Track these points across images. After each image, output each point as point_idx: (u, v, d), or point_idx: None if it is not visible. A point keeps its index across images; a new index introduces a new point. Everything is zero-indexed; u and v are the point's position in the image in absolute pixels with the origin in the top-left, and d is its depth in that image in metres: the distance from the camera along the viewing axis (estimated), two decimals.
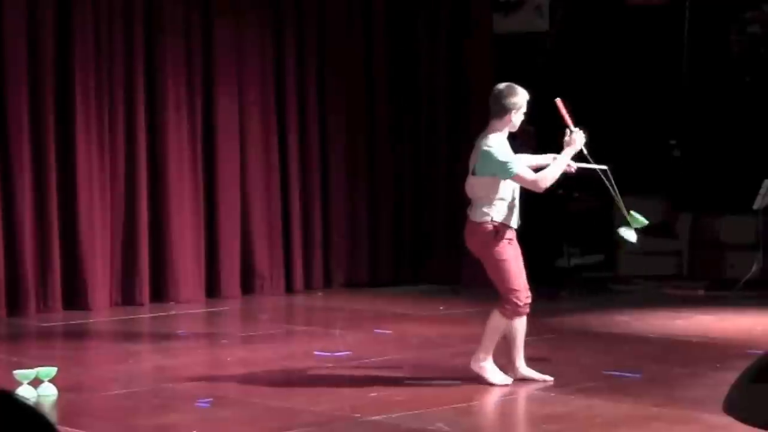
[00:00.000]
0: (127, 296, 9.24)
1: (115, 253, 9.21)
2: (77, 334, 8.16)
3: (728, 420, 2.24)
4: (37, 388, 5.88)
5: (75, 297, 8.96)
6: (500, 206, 5.85)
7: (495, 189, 5.82)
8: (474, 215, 5.91)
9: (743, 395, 2.16)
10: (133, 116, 9.25)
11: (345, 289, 10.15)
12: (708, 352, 6.96)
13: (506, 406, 5.64)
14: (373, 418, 5.45)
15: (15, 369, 6.01)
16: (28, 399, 5.44)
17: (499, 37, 10.51)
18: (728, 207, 10.54)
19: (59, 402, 5.83)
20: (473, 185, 5.92)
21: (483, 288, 10.03)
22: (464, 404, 5.64)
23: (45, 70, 8.80)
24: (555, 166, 5.94)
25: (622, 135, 11.27)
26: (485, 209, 5.84)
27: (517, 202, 5.93)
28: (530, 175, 5.83)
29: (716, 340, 7.40)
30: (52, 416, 5.50)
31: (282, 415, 5.48)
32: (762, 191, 9.57)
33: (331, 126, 10.30)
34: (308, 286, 10.12)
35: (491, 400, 5.83)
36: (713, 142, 11.09)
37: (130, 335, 8.16)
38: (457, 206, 10.64)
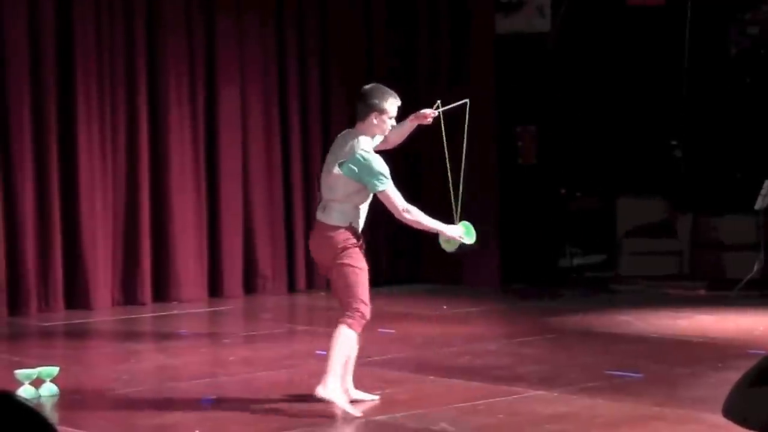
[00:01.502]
0: (128, 295, 9.22)
1: (117, 253, 9.19)
2: (79, 334, 8.14)
3: (730, 421, 2.23)
4: (39, 387, 5.86)
5: (76, 296, 8.94)
6: (357, 212, 5.37)
7: (362, 195, 5.32)
8: (330, 218, 5.36)
9: (741, 399, 2.15)
10: (135, 114, 9.23)
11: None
12: (709, 352, 6.94)
13: (508, 406, 5.61)
14: (377, 417, 5.43)
15: (16, 369, 5.99)
16: (28, 399, 5.42)
17: (500, 38, 10.49)
18: (729, 207, 10.52)
19: (61, 402, 5.81)
20: (335, 185, 5.33)
21: (485, 287, 10.11)
22: (468, 404, 5.62)
23: (46, 69, 8.78)
24: (433, 223, 5.41)
25: (623, 135, 11.26)
26: (343, 212, 5.33)
27: (366, 210, 5.44)
28: (401, 201, 5.30)
29: (717, 340, 7.37)
30: (54, 416, 5.48)
31: (284, 414, 5.46)
32: (763, 191, 9.55)
33: (334, 124, 10.27)
34: (310, 286, 10.10)
35: (495, 401, 5.81)
36: (714, 142, 11.07)
37: (131, 335, 8.14)
38: (457, 203, 10.65)
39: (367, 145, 5.36)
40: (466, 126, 5.77)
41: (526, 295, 9.80)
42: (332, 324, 5.52)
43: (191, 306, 9.21)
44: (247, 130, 9.82)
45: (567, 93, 11.03)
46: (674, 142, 11.31)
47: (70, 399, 5.87)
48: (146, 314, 8.96)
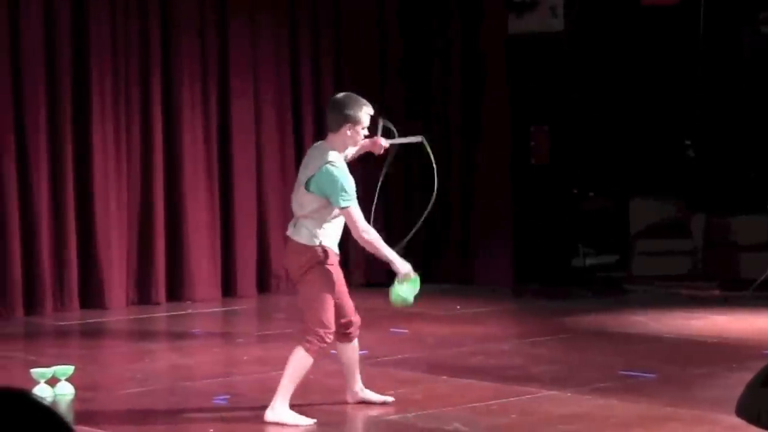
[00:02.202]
0: (143, 295, 9.24)
1: (132, 253, 9.21)
2: (93, 333, 8.17)
3: (743, 421, 2.22)
4: (54, 386, 5.88)
5: (91, 296, 8.97)
6: (329, 229, 5.20)
7: (329, 210, 5.15)
8: (299, 236, 5.21)
9: (754, 398, 2.15)
10: (149, 115, 9.25)
11: (363, 289, 10.13)
12: (723, 353, 6.90)
13: (521, 406, 5.60)
14: (389, 417, 5.42)
15: (32, 368, 6.01)
16: (44, 398, 5.44)
17: (514, 38, 10.47)
18: (742, 207, 10.47)
19: (76, 400, 5.83)
20: (304, 202, 5.20)
21: (498, 286, 10.09)
22: (481, 404, 5.60)
23: (62, 70, 8.81)
24: (387, 251, 5.20)
25: (637, 135, 11.22)
26: (314, 230, 5.17)
27: (342, 225, 5.28)
28: (362, 221, 5.13)
29: (731, 341, 7.34)
30: (69, 415, 5.49)
31: (297, 413, 5.45)
32: None
33: None
34: None
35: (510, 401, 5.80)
36: (727, 142, 11.02)
37: (146, 334, 8.16)
38: (470, 205, 10.67)
39: (336, 158, 5.18)
40: (434, 166, 5.62)
41: (539, 295, 9.78)
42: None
43: (205, 305, 9.22)
44: (260, 130, 9.83)
45: (580, 93, 11.00)
46: (687, 142, 11.26)
47: (85, 398, 5.88)
48: (160, 314, 8.97)
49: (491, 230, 10.35)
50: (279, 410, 5.23)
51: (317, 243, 5.20)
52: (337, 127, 5.22)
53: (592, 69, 11.09)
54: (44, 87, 8.72)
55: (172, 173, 9.38)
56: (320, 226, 5.19)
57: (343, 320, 5.39)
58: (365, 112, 5.22)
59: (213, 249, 9.55)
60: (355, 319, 5.47)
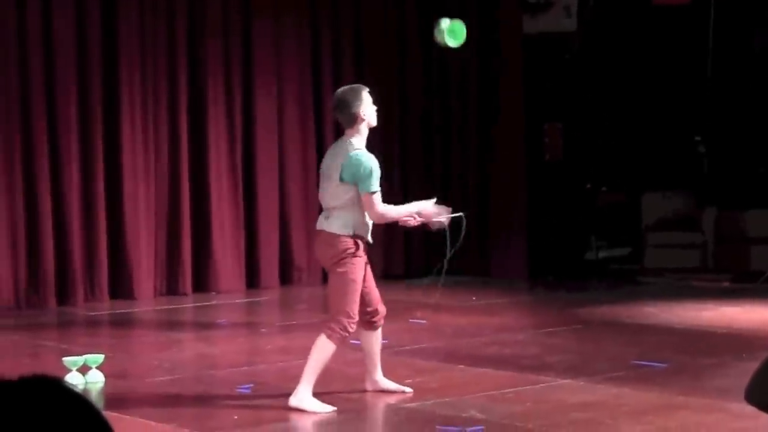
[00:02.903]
0: (170, 286, 9.28)
1: (159, 246, 9.25)
2: (123, 323, 8.20)
3: (753, 409, 2.21)
4: (85, 374, 5.91)
5: (121, 287, 9.01)
6: (359, 218, 5.23)
7: (358, 199, 5.20)
8: (332, 226, 5.24)
9: (762, 384, 2.13)
10: (176, 112, 9.28)
11: (381, 281, 10.12)
12: (733, 343, 6.86)
13: (536, 394, 5.59)
14: (408, 405, 5.42)
15: (64, 356, 6.05)
16: (75, 385, 5.45)
17: (528, 37, 10.44)
18: (752, 201, 10.41)
19: (106, 388, 5.85)
20: (338, 193, 5.24)
21: (513, 279, 10.07)
22: (497, 392, 5.60)
23: (92, 70, 8.85)
24: (403, 208, 5.39)
25: (649, 132, 11.17)
26: (347, 220, 5.21)
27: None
28: (381, 206, 5.21)
29: (741, 331, 7.29)
30: (99, 401, 5.52)
31: (319, 401, 5.46)
32: None
33: None
34: None
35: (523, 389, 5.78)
36: (737, 138, 10.96)
37: (173, 324, 8.19)
38: (486, 199, 10.65)
39: (361, 146, 5.27)
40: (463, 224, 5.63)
41: (554, 287, 9.75)
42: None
43: (229, 297, 9.24)
44: (283, 128, 9.84)
45: (593, 91, 10.96)
46: (698, 138, 11.20)
47: (115, 385, 5.91)
48: (186, 304, 9.00)
49: (507, 225, 10.33)
50: (302, 396, 5.25)
51: (350, 233, 5.22)
52: (352, 124, 5.30)
53: (605, 68, 11.04)
54: (76, 86, 8.76)
55: (197, 170, 9.41)
56: (353, 216, 5.22)
57: (369, 309, 5.41)
58: (365, 96, 5.30)
59: (237, 242, 9.58)
60: (381, 308, 5.48)
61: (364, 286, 5.33)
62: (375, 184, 5.18)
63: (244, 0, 9.63)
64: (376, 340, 5.51)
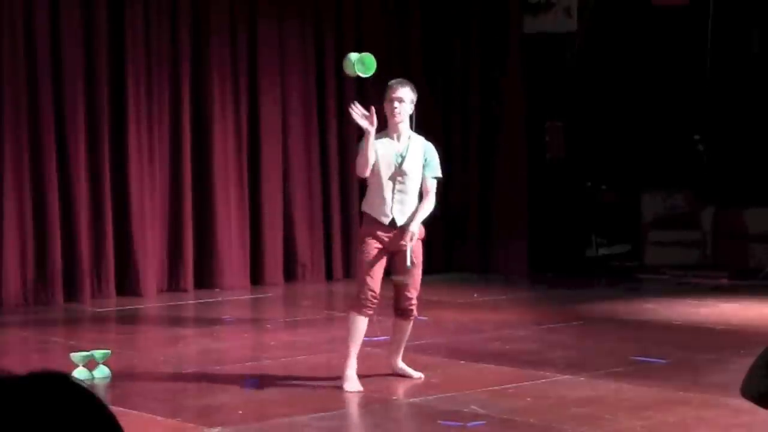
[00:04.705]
0: (176, 283, 9.28)
1: (165, 243, 9.26)
2: (129, 319, 8.21)
3: (751, 404, 2.21)
4: (93, 369, 5.91)
5: (127, 283, 9.01)
6: (369, 198, 5.61)
7: (369, 179, 5.58)
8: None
9: (758, 378, 2.13)
10: (181, 112, 9.29)
11: (384, 278, 10.13)
12: (732, 339, 6.86)
13: (537, 390, 5.59)
14: (410, 400, 5.43)
15: (72, 352, 6.05)
16: (83, 380, 5.48)
17: (529, 37, 10.44)
18: (751, 199, 10.40)
19: (113, 383, 5.86)
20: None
21: (515, 275, 10.07)
22: (498, 387, 5.60)
23: (99, 70, 8.86)
24: (362, 145, 5.54)
25: (649, 131, 11.16)
26: (366, 198, 5.69)
27: (388, 198, 5.50)
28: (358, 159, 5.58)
29: (740, 328, 7.29)
30: (106, 397, 5.52)
31: (322, 396, 5.47)
32: None
33: None
34: (348, 274, 10.11)
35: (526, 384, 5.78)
36: (736, 136, 10.95)
37: (178, 320, 8.19)
38: (489, 195, 10.64)
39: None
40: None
41: (554, 284, 9.75)
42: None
43: (234, 293, 9.25)
44: (288, 127, 9.84)
45: (593, 90, 10.95)
46: (697, 137, 11.19)
47: (122, 380, 5.91)
48: (192, 301, 9.01)
49: (508, 222, 10.33)
50: (344, 370, 5.51)
51: (363, 210, 5.67)
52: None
53: (605, 67, 11.03)
54: (83, 86, 8.77)
55: (203, 169, 9.41)
56: (369, 194, 5.60)
57: (398, 300, 5.67)
58: (388, 93, 5.69)
59: (242, 239, 9.58)
60: (416, 302, 5.72)
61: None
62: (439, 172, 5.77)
63: (248, 5, 9.62)
64: (405, 329, 5.72)
